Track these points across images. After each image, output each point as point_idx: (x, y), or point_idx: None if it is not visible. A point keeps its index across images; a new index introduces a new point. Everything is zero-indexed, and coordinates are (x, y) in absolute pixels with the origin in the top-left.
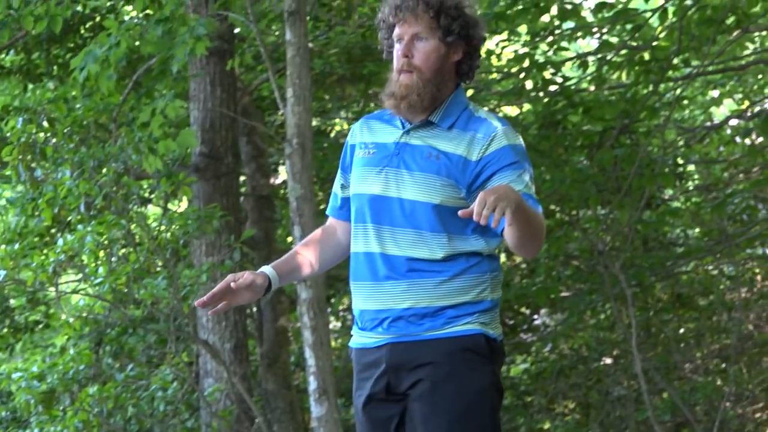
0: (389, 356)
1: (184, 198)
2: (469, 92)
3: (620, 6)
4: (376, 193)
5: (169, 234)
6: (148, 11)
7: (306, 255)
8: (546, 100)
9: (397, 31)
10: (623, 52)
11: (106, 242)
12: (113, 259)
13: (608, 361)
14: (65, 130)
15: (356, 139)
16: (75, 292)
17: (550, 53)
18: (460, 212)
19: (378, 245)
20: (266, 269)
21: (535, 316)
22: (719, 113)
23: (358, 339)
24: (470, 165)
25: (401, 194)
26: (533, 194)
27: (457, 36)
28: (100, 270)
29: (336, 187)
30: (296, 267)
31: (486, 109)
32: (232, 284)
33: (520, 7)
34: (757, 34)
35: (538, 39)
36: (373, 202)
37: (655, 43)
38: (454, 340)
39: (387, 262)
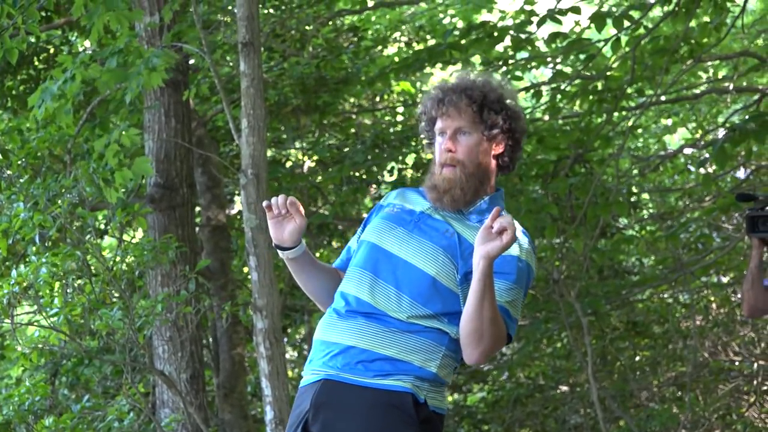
0: (316, 395)
1: (139, 229)
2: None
3: (573, 36)
4: (382, 246)
5: (124, 265)
6: (102, 43)
7: (326, 272)
8: None
9: (439, 124)
10: (577, 81)
11: (61, 273)
12: (68, 290)
13: (565, 389)
14: (19, 162)
15: (388, 201)
16: (30, 323)
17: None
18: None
19: (366, 292)
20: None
21: None
22: (673, 142)
23: (305, 376)
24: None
25: (403, 255)
26: (512, 313)
27: (499, 130)
28: (56, 301)
29: (352, 242)
30: (319, 267)
31: (518, 223)
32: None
33: (474, 37)
34: (709, 63)
35: (491, 69)
36: (376, 251)
37: (608, 73)
38: (380, 393)
39: (357, 301)
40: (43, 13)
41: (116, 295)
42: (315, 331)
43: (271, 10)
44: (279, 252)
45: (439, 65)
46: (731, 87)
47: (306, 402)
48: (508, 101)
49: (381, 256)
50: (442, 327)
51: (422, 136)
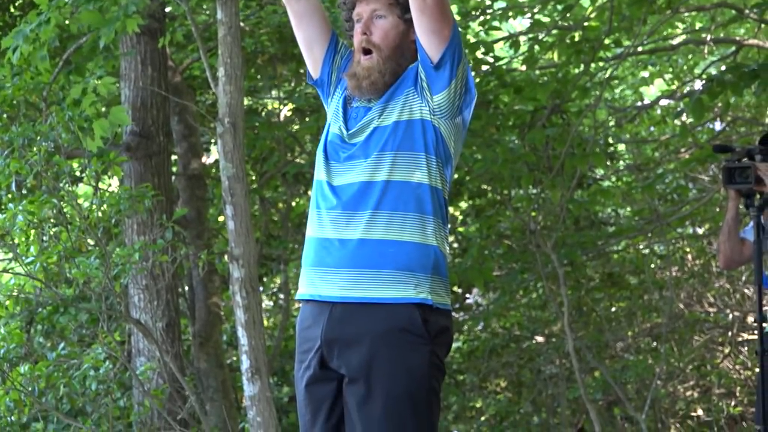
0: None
1: (115, 177)
2: None
3: None
4: None
5: (100, 213)
6: None
7: None
8: (478, 79)
9: (356, 10)
10: (554, 32)
11: (37, 221)
12: (44, 238)
13: (540, 339)
14: None
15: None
16: (5, 271)
17: (482, 33)
18: None
19: None
20: None
21: (467, 295)
22: (650, 93)
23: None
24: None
25: None
26: None
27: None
28: (32, 249)
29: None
30: None
31: None
32: None
33: None
34: (687, 14)
35: (469, 18)
36: None
37: (586, 23)
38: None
39: None
40: None
41: (92, 243)
42: None
43: None
44: None
45: None
46: (709, 38)
47: None
48: None
49: None
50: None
51: (343, 28)
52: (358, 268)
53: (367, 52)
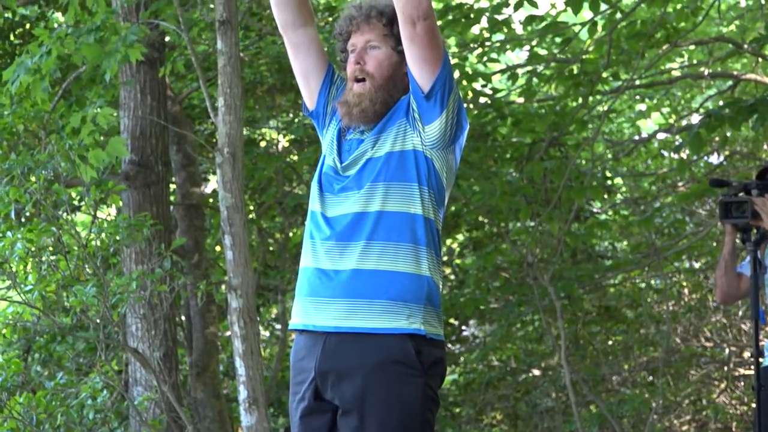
0: None
1: (113, 205)
2: None
3: (550, 19)
4: None
5: (99, 242)
6: (78, 20)
7: None
8: (476, 111)
9: (351, 40)
10: (553, 64)
11: (35, 249)
12: (43, 266)
13: (537, 372)
14: None
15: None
16: (4, 299)
17: (480, 65)
18: None
19: None
20: None
21: (464, 327)
22: (647, 126)
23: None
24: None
25: None
26: None
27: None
28: (30, 277)
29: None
30: None
31: None
32: None
33: (450, 18)
34: (685, 48)
35: (467, 50)
36: None
37: (584, 57)
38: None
39: None
40: None
41: (90, 272)
42: None
43: None
44: None
45: None
46: (706, 72)
47: None
48: None
49: None
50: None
51: (339, 59)
52: (352, 298)
53: (359, 80)
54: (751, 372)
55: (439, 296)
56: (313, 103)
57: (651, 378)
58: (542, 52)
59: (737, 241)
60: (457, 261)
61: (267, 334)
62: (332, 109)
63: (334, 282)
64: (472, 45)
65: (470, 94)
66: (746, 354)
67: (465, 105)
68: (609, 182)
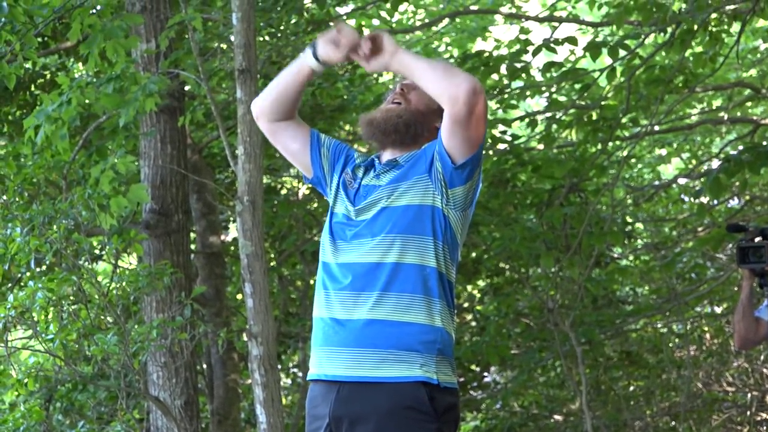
0: None
1: (134, 254)
2: None
3: (569, 65)
4: None
5: (119, 291)
6: (98, 70)
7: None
8: (495, 158)
9: (404, 81)
10: (572, 111)
11: (56, 299)
12: (64, 315)
13: (558, 418)
14: (15, 187)
15: None
16: (26, 348)
17: (500, 111)
18: None
19: None
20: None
21: (485, 374)
22: (667, 171)
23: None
24: None
25: None
26: None
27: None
28: (51, 326)
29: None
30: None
31: None
32: None
33: (469, 65)
34: (703, 93)
35: (487, 97)
36: None
37: (603, 102)
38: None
39: None
40: (40, 39)
41: (111, 320)
42: None
43: (267, 38)
44: (310, 56)
45: None
46: (726, 117)
47: None
48: None
49: None
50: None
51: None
52: (362, 347)
53: (395, 103)
54: None
55: (452, 347)
56: (310, 171)
57: (673, 423)
58: (561, 98)
59: (755, 285)
60: (478, 307)
61: (288, 381)
62: (330, 167)
63: (347, 330)
64: (491, 92)
65: (490, 140)
66: None
67: (486, 151)
68: (629, 228)
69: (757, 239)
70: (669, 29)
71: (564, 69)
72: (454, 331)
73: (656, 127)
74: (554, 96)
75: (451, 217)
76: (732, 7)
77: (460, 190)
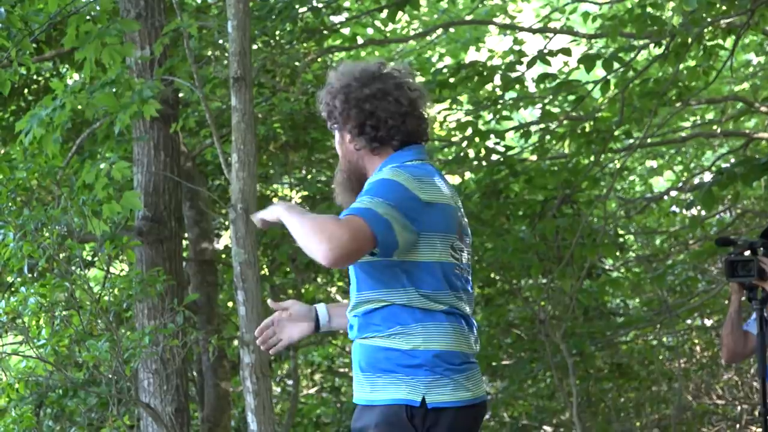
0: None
1: (126, 261)
2: None
3: (563, 77)
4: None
5: (111, 297)
6: (92, 76)
7: None
8: (488, 168)
9: None
10: (565, 122)
11: (48, 304)
12: (56, 321)
13: (548, 429)
14: (8, 193)
15: None
16: (17, 354)
17: (493, 122)
18: None
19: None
20: (317, 306)
21: None
22: (659, 184)
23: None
24: None
25: None
26: (358, 205)
27: (336, 119)
28: (43, 332)
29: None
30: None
31: (392, 166)
32: (276, 318)
33: (463, 75)
34: (697, 106)
35: (480, 108)
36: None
37: (597, 114)
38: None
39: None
40: (34, 45)
41: (103, 327)
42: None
43: (261, 45)
44: None
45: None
46: (719, 130)
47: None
48: (328, 87)
49: None
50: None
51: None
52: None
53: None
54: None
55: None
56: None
57: None
58: (555, 110)
59: (744, 299)
60: None
61: (279, 390)
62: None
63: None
64: (485, 102)
65: (483, 151)
66: (758, 412)
67: (477, 162)
68: (621, 240)
69: (746, 253)
70: (663, 42)
71: (558, 81)
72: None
73: (649, 140)
74: (548, 107)
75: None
76: (727, 20)
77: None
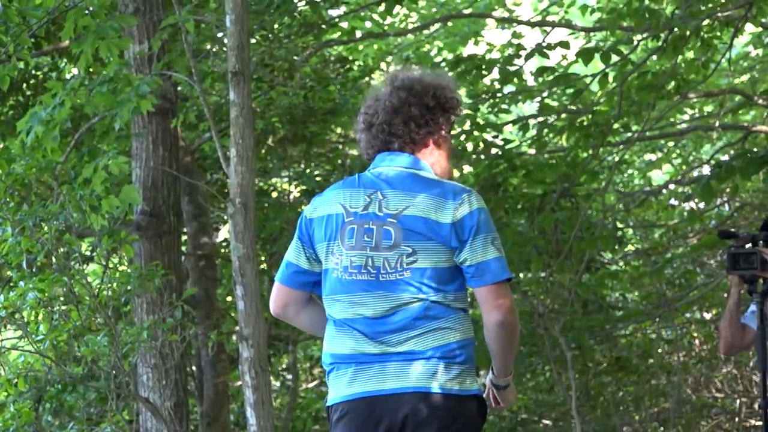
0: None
1: (124, 256)
2: None
3: (561, 70)
4: None
5: (110, 292)
6: (91, 70)
7: None
8: (487, 162)
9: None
10: (564, 115)
11: (47, 299)
12: (54, 316)
13: (547, 423)
14: (7, 188)
15: None
16: (15, 348)
17: (491, 116)
18: None
19: None
20: None
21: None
22: (657, 177)
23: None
24: None
25: None
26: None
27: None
28: (41, 327)
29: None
30: None
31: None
32: None
33: (461, 69)
34: (695, 99)
35: (479, 101)
36: None
37: (595, 108)
38: None
39: None
40: (33, 40)
41: (101, 321)
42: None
43: (259, 39)
44: None
45: None
46: (717, 124)
47: None
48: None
49: None
50: None
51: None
52: None
53: None
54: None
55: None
56: None
57: (662, 429)
58: (553, 103)
59: (743, 292)
60: None
61: (278, 384)
62: None
63: None
64: (483, 96)
65: (481, 144)
66: (757, 405)
67: (476, 156)
68: (620, 233)
69: (747, 245)
70: (662, 35)
71: (556, 74)
72: None
73: (647, 133)
74: (546, 101)
75: None
76: (725, 13)
77: None
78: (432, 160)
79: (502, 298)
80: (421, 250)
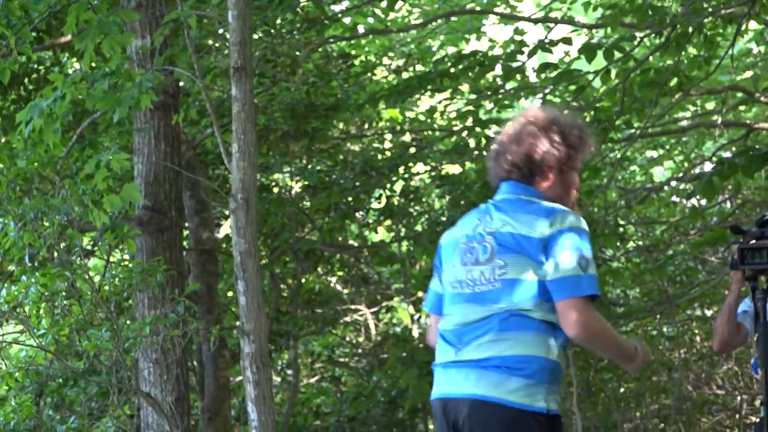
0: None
1: (125, 250)
2: (412, 149)
3: (563, 67)
4: None
5: (112, 287)
6: (93, 65)
7: None
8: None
9: (579, 164)
10: (566, 112)
11: (49, 294)
12: (56, 310)
13: None
14: (9, 182)
15: None
16: (17, 342)
17: (494, 112)
18: None
19: None
20: None
21: None
22: (659, 174)
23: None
24: None
25: None
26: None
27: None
28: (43, 321)
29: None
30: None
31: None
32: None
33: (464, 65)
34: (698, 97)
35: (481, 97)
36: None
37: (597, 104)
38: None
39: None
40: (34, 34)
41: (103, 316)
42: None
43: (261, 35)
44: None
45: (428, 93)
46: (719, 121)
47: None
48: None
49: None
50: None
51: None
52: None
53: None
54: None
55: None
56: None
57: (663, 425)
58: (556, 99)
59: (744, 289)
60: None
61: (279, 379)
62: None
63: None
64: (486, 92)
65: (484, 140)
66: (758, 402)
67: (478, 152)
68: (621, 230)
69: (752, 241)
70: (664, 32)
71: (559, 70)
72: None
73: (650, 130)
74: (548, 97)
75: None
76: (728, 10)
77: None
78: (551, 193)
79: (574, 314)
80: (510, 263)
